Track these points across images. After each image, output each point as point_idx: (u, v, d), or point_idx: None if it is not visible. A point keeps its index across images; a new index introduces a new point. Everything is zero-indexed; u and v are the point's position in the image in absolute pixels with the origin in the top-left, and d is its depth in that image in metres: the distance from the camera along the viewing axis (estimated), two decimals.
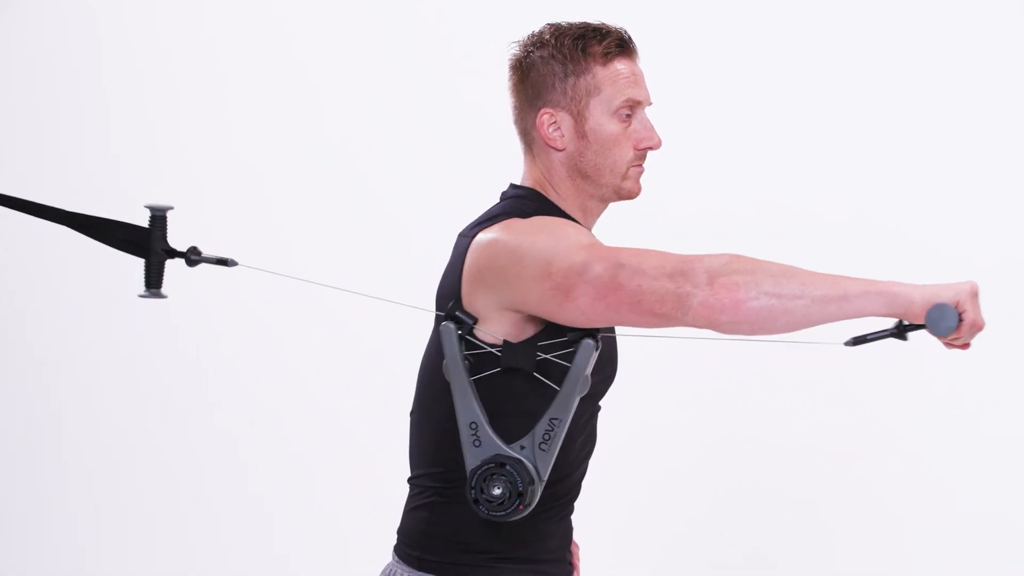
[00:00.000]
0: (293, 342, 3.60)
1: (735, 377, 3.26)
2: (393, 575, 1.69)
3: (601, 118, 1.66)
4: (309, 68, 3.64)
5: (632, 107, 1.67)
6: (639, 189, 1.72)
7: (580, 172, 1.68)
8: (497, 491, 1.46)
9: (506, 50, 1.72)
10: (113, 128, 3.74)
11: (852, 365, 3.20)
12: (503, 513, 1.46)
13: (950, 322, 1.34)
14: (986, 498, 3.19)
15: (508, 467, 1.46)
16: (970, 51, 3.22)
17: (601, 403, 1.79)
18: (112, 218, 1.59)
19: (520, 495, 1.45)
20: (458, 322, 1.54)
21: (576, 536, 1.87)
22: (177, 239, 3.71)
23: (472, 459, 1.50)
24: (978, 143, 3.22)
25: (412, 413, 1.71)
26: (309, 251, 3.61)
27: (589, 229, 1.74)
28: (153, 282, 1.59)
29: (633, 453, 3.25)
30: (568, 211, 1.70)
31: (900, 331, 1.41)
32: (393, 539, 1.74)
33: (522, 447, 1.48)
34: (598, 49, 1.65)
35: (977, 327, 1.38)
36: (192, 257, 1.60)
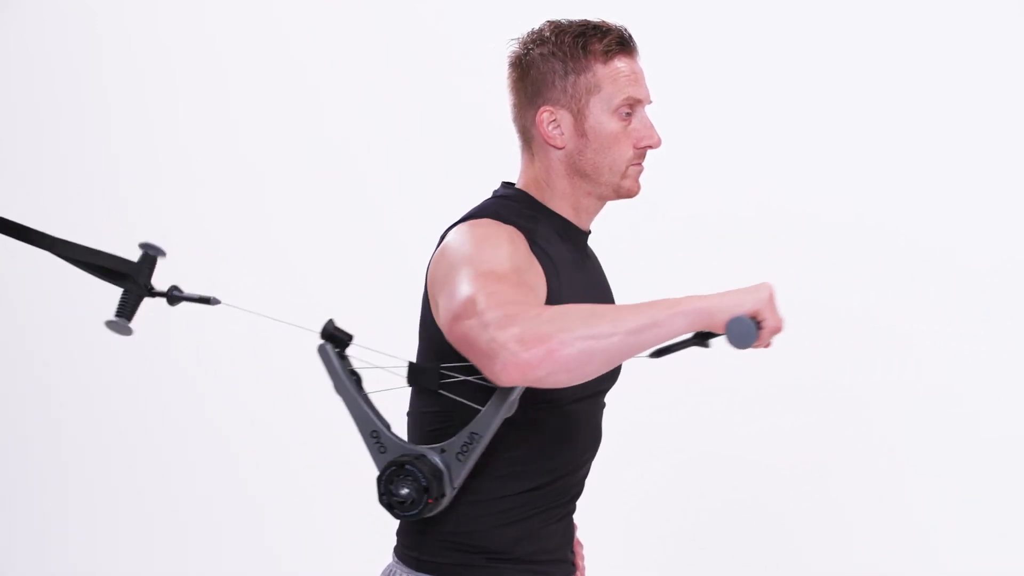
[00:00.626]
0: (291, 342, 3.58)
1: (741, 377, 3.26)
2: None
3: (601, 116, 1.65)
4: (309, 68, 3.63)
5: (632, 105, 1.66)
6: (638, 188, 1.71)
7: (579, 170, 1.67)
8: (404, 491, 1.43)
9: (505, 48, 1.71)
10: (113, 128, 3.74)
11: (856, 366, 3.21)
12: (415, 511, 1.42)
13: (749, 337, 1.35)
14: (986, 499, 3.18)
15: (408, 466, 1.43)
16: (970, 51, 3.21)
17: (606, 400, 1.80)
18: (101, 249, 1.55)
19: (426, 489, 1.42)
20: (336, 340, 1.52)
21: (580, 535, 1.87)
22: (176, 240, 3.71)
23: (380, 465, 1.47)
24: (977, 143, 3.22)
25: (408, 414, 1.71)
26: (306, 249, 3.61)
27: (584, 227, 1.73)
28: (125, 313, 1.55)
29: (638, 452, 3.24)
30: (559, 210, 1.70)
31: (701, 339, 1.41)
32: (393, 540, 1.73)
33: (442, 451, 1.45)
34: (598, 47, 1.64)
35: (776, 332, 1.40)
36: (174, 295, 1.56)
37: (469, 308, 1.36)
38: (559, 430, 1.66)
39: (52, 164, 3.76)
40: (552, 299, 1.58)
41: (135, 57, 3.73)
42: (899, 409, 3.23)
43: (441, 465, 1.44)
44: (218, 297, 1.58)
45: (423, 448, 1.46)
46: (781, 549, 3.29)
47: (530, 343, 1.30)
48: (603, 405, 1.79)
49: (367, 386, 1.53)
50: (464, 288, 1.40)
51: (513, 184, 1.74)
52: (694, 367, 3.29)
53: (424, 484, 1.42)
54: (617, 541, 3.26)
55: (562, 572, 1.74)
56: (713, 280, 3.26)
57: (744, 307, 1.37)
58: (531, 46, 1.68)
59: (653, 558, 3.34)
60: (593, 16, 1.69)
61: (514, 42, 1.71)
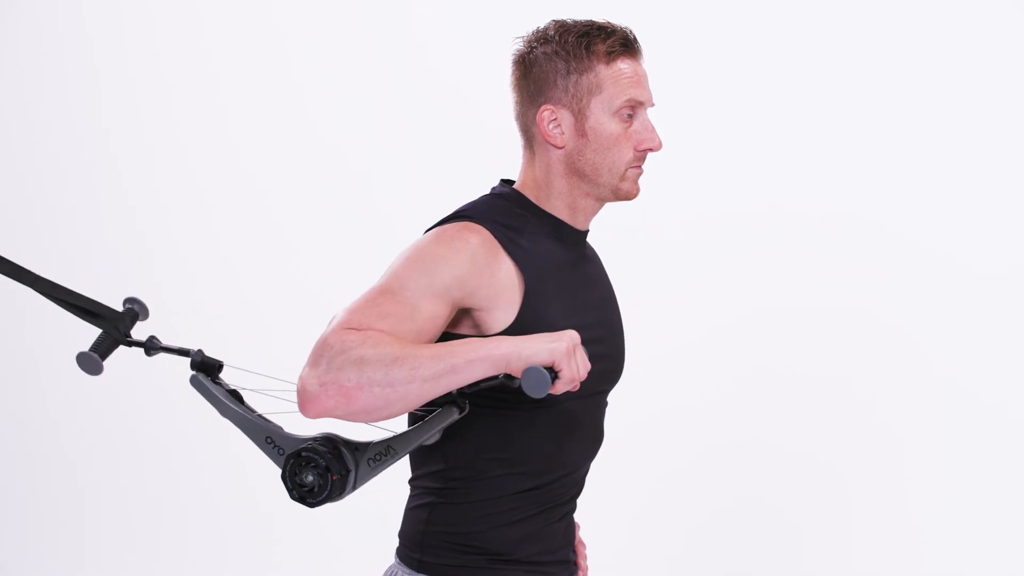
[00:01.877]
0: (297, 339, 3.58)
1: (745, 376, 3.26)
2: None
3: (602, 117, 1.64)
4: (306, 69, 3.63)
5: (634, 107, 1.65)
6: (637, 191, 1.70)
7: (578, 171, 1.67)
8: (309, 478, 1.42)
9: (510, 45, 1.71)
10: (111, 127, 3.73)
11: (866, 366, 3.21)
12: (326, 494, 1.42)
13: (543, 387, 1.38)
14: (1002, 502, 3.18)
15: (304, 452, 1.43)
16: (973, 55, 3.22)
17: (608, 399, 1.79)
18: (86, 295, 1.57)
19: (327, 469, 1.41)
20: (207, 369, 1.54)
21: (582, 535, 1.86)
22: (175, 237, 3.69)
23: (281, 465, 1.47)
24: (979, 145, 3.22)
25: (410, 413, 1.70)
26: (306, 247, 3.60)
27: (581, 227, 1.73)
28: (100, 351, 1.55)
29: (641, 451, 3.24)
30: (554, 211, 1.69)
31: (507, 379, 1.43)
32: (395, 541, 1.73)
33: (356, 448, 1.45)
34: (602, 48, 1.63)
35: (573, 381, 1.42)
36: (152, 346, 1.57)
37: (327, 327, 1.43)
38: (558, 429, 1.66)
39: (48, 166, 3.75)
40: (534, 300, 1.58)
41: (127, 59, 3.71)
42: (911, 412, 3.23)
43: (340, 445, 1.43)
44: (196, 349, 1.57)
45: (322, 434, 1.46)
46: (788, 551, 3.28)
47: (328, 385, 1.37)
48: (605, 405, 1.78)
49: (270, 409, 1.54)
50: (348, 304, 1.47)
51: (512, 182, 1.74)
52: (701, 365, 3.30)
53: (324, 464, 1.41)
54: (620, 541, 3.26)
55: (564, 573, 1.73)
56: (717, 281, 3.28)
57: (539, 357, 1.39)
58: (535, 44, 1.67)
59: (656, 558, 3.34)
60: (599, 17, 1.68)
61: (519, 40, 1.70)
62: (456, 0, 3.53)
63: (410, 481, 1.72)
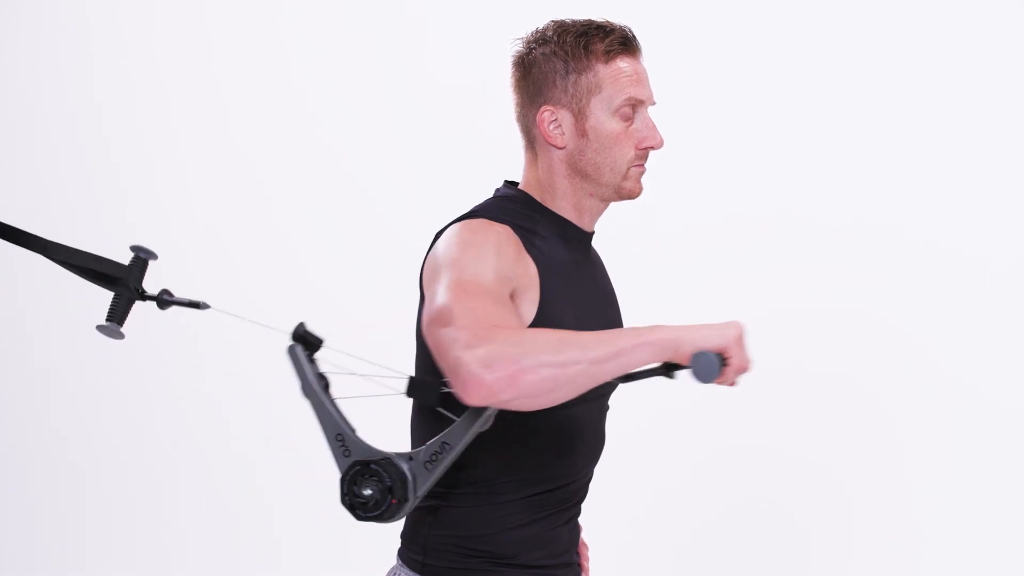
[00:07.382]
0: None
1: (749, 378, 3.25)
2: None
3: (602, 116, 1.64)
4: (305, 70, 3.62)
5: (634, 106, 1.65)
6: (640, 189, 1.70)
7: (580, 171, 1.66)
8: (367, 491, 1.40)
9: (509, 47, 1.70)
10: (106, 127, 3.72)
11: (872, 369, 3.21)
12: (378, 513, 1.40)
13: (713, 373, 1.35)
14: (1008, 505, 3.18)
15: (373, 466, 1.41)
16: (977, 57, 3.22)
17: (610, 403, 1.78)
18: (92, 252, 1.54)
19: (390, 490, 1.39)
20: (307, 343, 1.51)
21: (586, 536, 1.86)
22: (174, 238, 3.69)
23: (343, 467, 1.44)
24: (981, 146, 3.22)
25: (412, 415, 1.70)
26: (307, 252, 3.60)
27: (587, 228, 1.72)
28: (116, 317, 1.53)
29: (644, 454, 3.23)
30: (561, 211, 1.69)
31: (667, 370, 1.40)
32: (397, 542, 1.72)
33: (410, 458, 1.42)
34: (600, 47, 1.63)
35: (742, 371, 1.39)
36: (164, 299, 1.55)
37: (445, 316, 1.35)
38: (563, 435, 1.66)
39: (46, 168, 3.75)
40: (547, 299, 1.57)
41: (127, 60, 3.71)
42: (916, 415, 3.22)
43: (407, 471, 1.41)
44: (207, 302, 1.55)
45: (389, 452, 1.43)
46: (792, 553, 3.28)
47: (495, 366, 1.29)
48: (607, 408, 1.78)
49: (360, 392, 1.50)
50: (443, 294, 1.40)
51: (516, 183, 1.73)
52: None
53: (388, 484, 1.39)
54: (624, 543, 3.26)
55: (569, 574, 1.73)
56: (718, 284, 3.27)
57: (711, 342, 1.36)
58: (534, 45, 1.67)
59: (659, 560, 3.34)
60: (598, 16, 1.67)
61: (518, 41, 1.70)
62: (455, 1, 3.51)
63: None
